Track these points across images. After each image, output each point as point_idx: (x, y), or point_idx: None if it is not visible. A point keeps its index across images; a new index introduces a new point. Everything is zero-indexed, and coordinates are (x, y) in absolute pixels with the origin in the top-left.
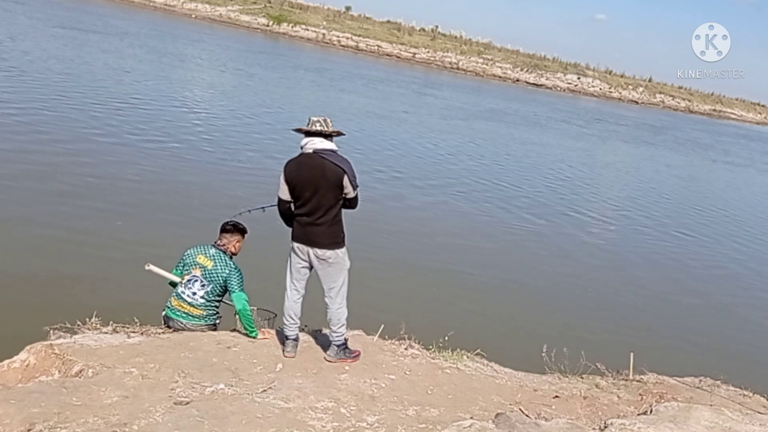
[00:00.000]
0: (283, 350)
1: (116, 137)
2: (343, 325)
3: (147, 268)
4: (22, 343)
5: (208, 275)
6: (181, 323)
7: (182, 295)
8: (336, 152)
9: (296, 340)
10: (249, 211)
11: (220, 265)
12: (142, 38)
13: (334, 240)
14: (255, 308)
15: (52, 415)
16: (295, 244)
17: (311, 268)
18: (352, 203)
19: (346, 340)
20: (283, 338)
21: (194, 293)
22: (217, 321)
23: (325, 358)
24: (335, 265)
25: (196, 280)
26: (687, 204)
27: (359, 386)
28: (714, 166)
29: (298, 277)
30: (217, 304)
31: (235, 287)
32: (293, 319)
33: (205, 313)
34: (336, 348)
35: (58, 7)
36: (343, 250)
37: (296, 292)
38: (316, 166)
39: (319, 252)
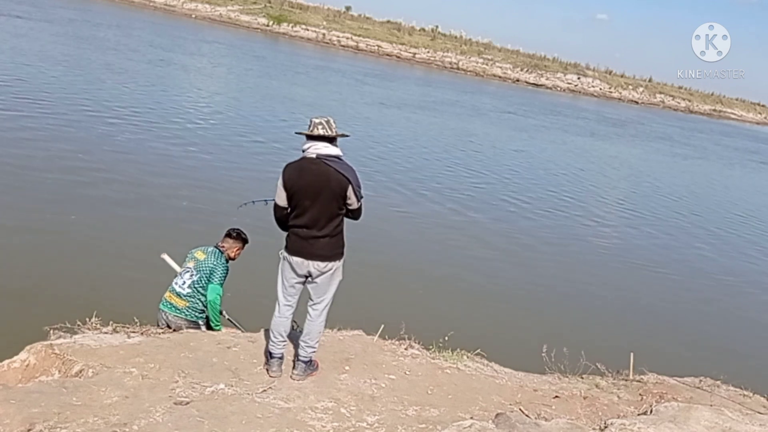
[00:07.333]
0: (268, 369)
1: (113, 134)
2: (318, 340)
3: (162, 256)
4: (22, 343)
5: (198, 266)
6: (165, 314)
7: (174, 286)
8: (341, 159)
9: (281, 358)
10: (253, 202)
11: (211, 258)
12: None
13: (336, 251)
14: (227, 316)
15: (52, 415)
16: (293, 258)
17: (305, 282)
18: (354, 215)
19: (314, 353)
20: (267, 356)
21: (183, 282)
22: (200, 321)
23: (292, 377)
24: (333, 276)
25: (188, 271)
26: (681, 201)
27: (359, 386)
28: (679, 160)
29: (292, 291)
30: (202, 299)
31: (215, 279)
32: (282, 337)
33: (188, 305)
34: (303, 365)
35: (64, 9)
36: (342, 261)
37: (288, 308)
38: (320, 174)
39: (321, 264)
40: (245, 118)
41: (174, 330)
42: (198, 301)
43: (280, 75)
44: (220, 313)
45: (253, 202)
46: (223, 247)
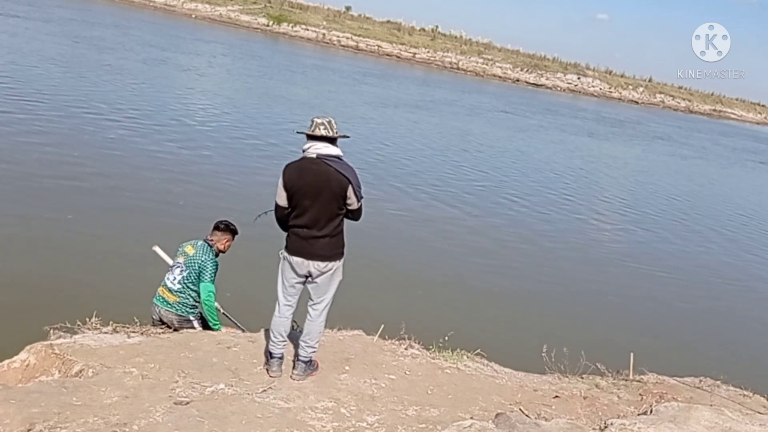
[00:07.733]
0: (268, 369)
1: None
2: (318, 340)
3: (153, 248)
4: (22, 343)
5: (188, 261)
6: (158, 309)
7: (166, 281)
8: (341, 159)
9: (282, 358)
10: (266, 213)
11: (200, 253)
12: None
13: (336, 251)
14: (222, 311)
15: (52, 415)
16: (293, 258)
17: (305, 282)
18: (355, 215)
19: (314, 353)
20: (267, 356)
21: (174, 278)
22: (192, 317)
23: (292, 377)
24: (333, 276)
25: (178, 267)
26: (681, 202)
27: (359, 386)
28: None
29: (292, 291)
30: (193, 294)
31: (206, 277)
32: (282, 337)
33: (179, 300)
34: (303, 365)
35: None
36: (342, 261)
37: (288, 308)
38: (320, 173)
39: (321, 264)
40: (251, 119)
41: (166, 324)
42: (188, 297)
43: (279, 75)
44: (218, 310)
45: (266, 213)
46: (211, 240)
